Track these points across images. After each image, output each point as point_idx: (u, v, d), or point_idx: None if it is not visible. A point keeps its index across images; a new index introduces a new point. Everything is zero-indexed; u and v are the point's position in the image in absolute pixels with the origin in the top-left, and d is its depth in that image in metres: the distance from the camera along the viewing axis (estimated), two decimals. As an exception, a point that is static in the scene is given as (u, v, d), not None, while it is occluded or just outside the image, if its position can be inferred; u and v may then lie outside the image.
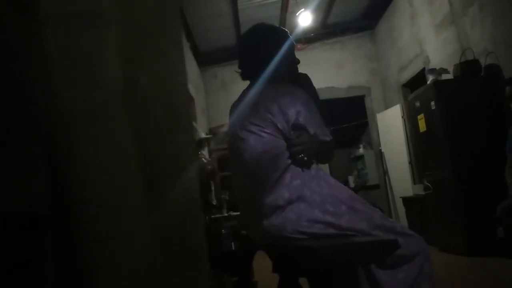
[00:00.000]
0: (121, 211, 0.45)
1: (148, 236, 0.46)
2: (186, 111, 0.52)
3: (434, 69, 3.95)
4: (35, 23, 0.46)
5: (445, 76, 3.84)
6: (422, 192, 4.13)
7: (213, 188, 4.36)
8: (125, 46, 0.47)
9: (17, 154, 0.48)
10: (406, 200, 4.96)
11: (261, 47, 1.46)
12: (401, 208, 5.21)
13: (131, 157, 0.45)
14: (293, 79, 1.51)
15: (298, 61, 1.56)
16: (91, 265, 0.44)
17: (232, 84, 5.63)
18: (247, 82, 1.54)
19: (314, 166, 1.38)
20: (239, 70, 1.52)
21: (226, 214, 3.56)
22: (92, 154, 0.44)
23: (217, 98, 5.99)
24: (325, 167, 5.94)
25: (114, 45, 0.46)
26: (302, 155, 1.32)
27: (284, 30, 1.57)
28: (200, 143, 3.82)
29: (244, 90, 1.53)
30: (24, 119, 0.48)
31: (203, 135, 4.01)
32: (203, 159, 3.66)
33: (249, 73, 1.50)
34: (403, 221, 4.95)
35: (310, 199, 1.30)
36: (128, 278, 0.45)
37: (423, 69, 4.60)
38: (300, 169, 1.34)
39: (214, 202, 4.16)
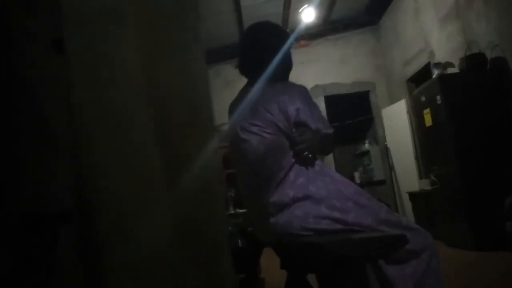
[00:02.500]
0: (142, 207, 0.45)
1: (169, 234, 0.46)
2: (206, 106, 0.52)
3: (439, 63, 3.92)
4: (56, 22, 0.46)
5: (450, 70, 3.81)
6: (428, 187, 4.11)
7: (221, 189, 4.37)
8: (145, 42, 0.47)
9: (39, 153, 0.49)
10: (412, 195, 4.95)
11: (260, 46, 1.46)
12: (407, 203, 5.20)
13: (153, 153, 0.46)
14: (287, 78, 1.51)
15: (292, 63, 1.56)
16: (110, 255, 0.45)
17: (235, 82, 5.62)
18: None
19: (318, 162, 1.39)
20: (238, 67, 1.53)
21: (232, 211, 3.57)
22: (114, 151, 0.45)
23: (220, 96, 5.96)
24: (331, 163, 5.93)
25: (134, 41, 0.46)
26: (307, 152, 1.32)
27: (285, 30, 1.56)
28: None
29: (242, 89, 1.53)
30: (45, 119, 0.48)
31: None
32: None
33: (248, 70, 1.51)
34: (410, 216, 4.93)
35: (316, 196, 1.30)
36: (147, 271, 0.45)
37: (428, 63, 4.57)
38: (304, 167, 1.34)
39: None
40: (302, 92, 1.41)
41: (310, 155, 1.33)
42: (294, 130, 1.35)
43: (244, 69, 1.52)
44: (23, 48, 0.66)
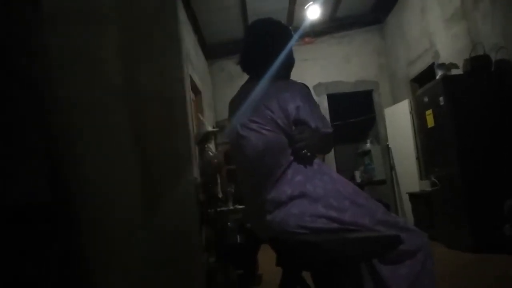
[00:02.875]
0: (118, 205, 0.46)
1: (145, 230, 0.47)
2: (182, 105, 0.52)
3: (444, 64, 3.90)
4: (38, 19, 0.47)
5: (454, 71, 3.79)
6: (428, 188, 4.11)
7: (219, 181, 4.38)
8: (125, 43, 0.47)
9: (19, 149, 0.50)
10: (412, 196, 4.94)
11: (262, 43, 1.46)
12: (407, 204, 5.19)
13: (129, 150, 0.46)
14: (289, 76, 1.51)
15: (293, 61, 1.56)
16: (88, 258, 0.46)
17: (239, 77, 5.61)
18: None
19: (317, 161, 1.39)
20: (239, 63, 1.53)
21: (232, 207, 3.59)
22: (91, 148, 0.45)
23: (224, 91, 5.98)
24: (331, 162, 5.93)
25: (114, 42, 0.47)
26: (305, 150, 1.32)
27: (288, 28, 1.56)
28: (207, 137, 3.83)
29: (242, 86, 1.53)
30: (26, 115, 0.49)
31: (209, 129, 4.02)
32: (209, 152, 3.67)
33: (250, 67, 1.51)
34: (409, 217, 4.93)
35: (313, 195, 1.30)
36: (126, 271, 0.46)
37: (432, 64, 4.54)
38: (302, 165, 1.34)
39: (220, 195, 4.18)
40: (303, 90, 1.41)
41: (308, 154, 1.33)
42: (293, 128, 1.35)
43: (245, 66, 1.52)
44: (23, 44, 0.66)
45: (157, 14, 0.52)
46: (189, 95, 4.20)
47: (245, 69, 1.52)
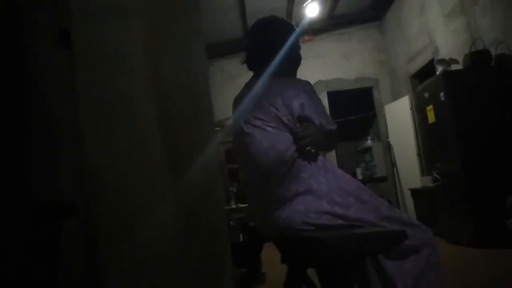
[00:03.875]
0: (145, 194, 0.46)
1: (171, 216, 0.47)
2: (207, 96, 0.53)
3: (443, 59, 3.90)
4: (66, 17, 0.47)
5: (454, 67, 3.79)
6: (430, 184, 4.11)
7: (221, 180, 4.38)
8: (149, 36, 0.48)
9: (45, 146, 0.50)
10: (414, 192, 4.95)
11: (267, 40, 1.46)
12: (409, 200, 5.20)
13: (156, 145, 0.46)
14: (294, 75, 1.51)
15: (299, 62, 1.56)
16: (113, 245, 0.46)
17: (239, 76, 5.62)
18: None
19: (321, 157, 1.39)
20: (245, 61, 1.53)
21: (234, 206, 3.59)
22: (118, 139, 0.45)
23: (224, 91, 5.97)
24: (333, 159, 5.93)
25: (139, 35, 0.47)
26: (310, 147, 1.32)
27: (292, 24, 1.56)
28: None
29: (247, 83, 1.53)
30: (51, 112, 0.49)
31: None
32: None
33: (255, 65, 1.51)
34: (412, 213, 4.94)
35: (318, 191, 1.31)
36: (150, 258, 0.46)
37: (432, 59, 4.54)
38: (307, 162, 1.34)
39: (223, 194, 4.19)
40: (307, 87, 1.41)
41: (313, 150, 1.33)
42: (297, 125, 1.35)
43: (251, 64, 1.52)
44: (29, 43, 0.67)
45: (181, 8, 0.53)
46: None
47: (250, 67, 1.53)
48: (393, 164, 5.86)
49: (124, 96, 0.48)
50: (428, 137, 4.12)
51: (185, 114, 0.51)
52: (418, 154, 5.23)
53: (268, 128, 1.34)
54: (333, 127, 1.39)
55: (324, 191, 1.31)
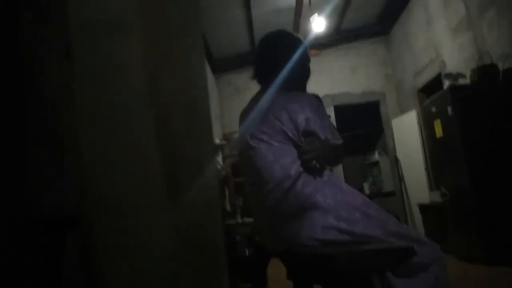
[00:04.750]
0: (142, 208, 0.46)
1: (168, 232, 0.46)
2: (205, 107, 0.53)
3: (451, 74, 3.89)
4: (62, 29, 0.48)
5: (462, 81, 3.78)
6: (439, 199, 4.05)
7: (227, 194, 4.37)
8: (148, 49, 0.48)
9: (45, 157, 0.50)
10: (422, 207, 4.88)
11: (274, 54, 1.47)
12: (417, 215, 5.13)
13: (153, 155, 0.46)
14: (304, 89, 1.52)
15: (309, 76, 1.57)
16: (111, 261, 0.46)
17: (246, 90, 5.66)
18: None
19: (326, 172, 1.38)
20: (253, 76, 1.54)
21: (240, 220, 3.57)
22: (115, 155, 0.45)
23: (231, 104, 6.02)
24: (339, 174, 5.89)
25: (137, 48, 0.48)
26: (315, 161, 1.32)
27: (300, 39, 1.57)
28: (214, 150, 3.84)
29: (253, 97, 1.54)
30: (51, 123, 0.50)
31: (217, 141, 4.04)
32: (216, 165, 3.67)
33: (262, 78, 1.52)
34: (420, 229, 4.86)
35: (324, 206, 1.29)
36: (148, 273, 0.46)
37: (439, 74, 4.54)
38: (312, 176, 1.33)
39: (228, 208, 4.17)
40: (313, 101, 1.41)
41: (318, 165, 1.33)
42: (303, 139, 1.35)
43: (259, 78, 1.53)
44: (35, 54, 0.68)
45: (180, 21, 0.54)
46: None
47: (259, 81, 1.54)
48: (401, 178, 5.80)
49: (123, 109, 0.48)
50: (436, 152, 4.09)
51: (183, 127, 0.51)
52: (426, 169, 5.18)
53: (273, 142, 1.34)
54: (339, 141, 1.38)
55: (331, 206, 1.29)
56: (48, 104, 0.63)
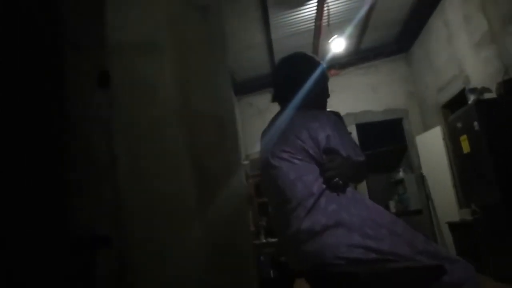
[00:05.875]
0: (174, 221, 0.48)
1: (200, 238, 0.49)
2: (232, 122, 0.56)
3: (475, 88, 3.82)
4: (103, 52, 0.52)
5: (487, 96, 3.70)
6: (469, 217, 3.91)
7: (250, 214, 4.36)
8: (178, 68, 0.52)
9: (85, 180, 0.54)
10: (452, 226, 4.71)
11: (292, 75, 1.51)
12: (447, 234, 4.95)
13: (185, 166, 0.49)
14: (324, 108, 1.54)
15: (328, 95, 1.59)
16: (144, 277, 0.48)
17: (267, 111, 5.71)
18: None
19: (350, 189, 1.38)
20: (273, 97, 1.58)
21: (264, 241, 3.54)
22: (149, 169, 0.48)
23: (253, 125, 6.08)
24: (364, 192, 5.79)
25: (169, 68, 0.52)
26: (337, 179, 1.32)
27: (318, 61, 1.60)
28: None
29: (273, 117, 1.57)
30: (92, 148, 0.53)
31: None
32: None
33: (281, 99, 1.55)
34: (451, 248, 4.68)
35: (349, 223, 1.28)
36: (180, 279, 0.48)
37: (463, 89, 4.46)
38: (335, 194, 1.33)
39: (252, 229, 4.16)
40: (333, 118, 1.42)
41: (340, 182, 1.33)
42: (324, 156, 1.36)
43: (278, 99, 1.57)
44: (71, 82, 0.73)
45: (208, 42, 0.58)
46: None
47: (279, 102, 1.58)
48: (428, 196, 5.64)
49: (156, 126, 0.51)
50: (464, 168, 3.98)
51: (212, 141, 0.54)
52: (454, 186, 5.03)
53: (295, 161, 1.35)
54: (361, 158, 1.38)
55: (356, 224, 1.28)
56: (84, 126, 0.67)
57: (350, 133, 1.48)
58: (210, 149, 0.54)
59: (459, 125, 3.80)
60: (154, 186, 0.50)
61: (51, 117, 0.69)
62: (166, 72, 0.53)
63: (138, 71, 0.53)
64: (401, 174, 6.64)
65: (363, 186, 5.73)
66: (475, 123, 3.47)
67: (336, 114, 1.53)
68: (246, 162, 4.66)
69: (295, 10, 4.70)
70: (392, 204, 6.67)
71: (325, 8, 4.64)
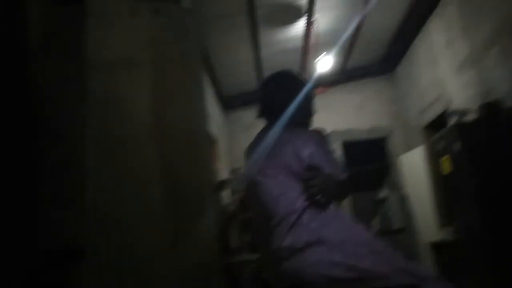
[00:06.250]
0: (146, 238, 0.48)
1: (170, 263, 0.49)
2: (205, 138, 0.57)
3: (456, 110, 3.93)
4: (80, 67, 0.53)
5: (468, 118, 3.80)
6: (451, 237, 3.97)
7: (234, 230, 4.33)
8: (154, 84, 0.53)
9: (59, 192, 0.54)
10: (433, 245, 4.76)
11: (278, 93, 1.54)
12: (428, 253, 4.99)
13: (156, 184, 0.49)
14: (308, 126, 1.57)
15: (314, 112, 1.62)
16: None
17: (254, 126, 5.74)
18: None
19: (332, 207, 1.39)
20: (258, 114, 1.59)
21: (247, 257, 3.51)
22: (120, 182, 0.49)
23: (240, 140, 6.07)
24: (348, 210, 5.82)
25: (146, 85, 0.53)
26: (320, 196, 1.33)
27: (304, 79, 1.64)
28: (222, 185, 3.85)
29: (259, 133, 1.58)
30: (66, 160, 0.53)
31: (224, 177, 4.05)
32: (224, 200, 3.68)
33: (267, 115, 1.57)
34: (432, 266, 4.72)
35: (330, 241, 1.29)
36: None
37: (445, 111, 4.58)
38: (318, 211, 1.34)
39: (235, 245, 4.12)
40: (316, 136, 1.45)
41: (323, 199, 1.34)
42: (307, 173, 1.37)
43: (263, 115, 1.59)
44: (50, 97, 0.73)
45: (184, 60, 0.59)
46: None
47: (263, 118, 1.59)
48: (410, 215, 5.70)
49: (130, 140, 0.52)
50: (445, 188, 4.05)
51: (185, 157, 0.55)
52: (436, 205, 5.10)
53: (279, 177, 1.37)
54: (343, 176, 1.40)
55: (337, 241, 1.29)
56: (61, 140, 0.67)
57: (333, 151, 1.50)
58: (183, 166, 0.54)
59: (440, 146, 3.88)
60: (123, 202, 0.50)
61: (28, 129, 0.69)
62: (141, 88, 0.54)
63: (113, 86, 0.53)
64: (384, 193, 6.71)
65: (346, 204, 5.77)
66: (456, 144, 3.56)
67: (321, 132, 1.56)
68: (231, 177, 4.64)
69: (284, 28, 4.79)
70: (375, 222, 6.71)
71: (314, 27, 4.74)
